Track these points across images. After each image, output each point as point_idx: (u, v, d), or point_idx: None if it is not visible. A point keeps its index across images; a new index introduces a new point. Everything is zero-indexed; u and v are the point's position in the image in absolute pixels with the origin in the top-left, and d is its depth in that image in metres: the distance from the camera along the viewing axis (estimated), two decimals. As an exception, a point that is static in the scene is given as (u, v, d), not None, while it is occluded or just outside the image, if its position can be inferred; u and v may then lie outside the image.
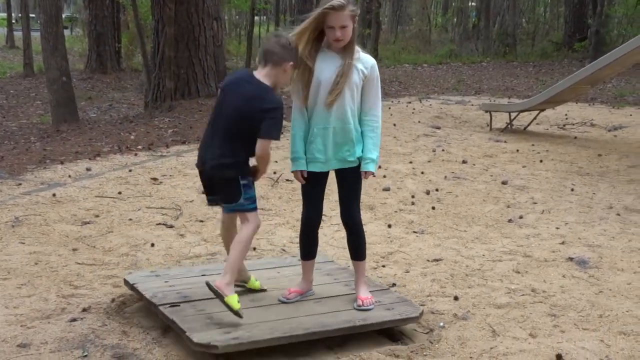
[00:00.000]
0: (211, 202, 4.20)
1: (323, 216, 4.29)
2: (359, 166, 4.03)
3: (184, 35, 12.53)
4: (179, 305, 3.97)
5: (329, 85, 3.90)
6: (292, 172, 4.07)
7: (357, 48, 3.99)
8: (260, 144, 3.87)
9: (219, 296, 3.76)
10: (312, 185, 4.06)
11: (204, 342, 3.55)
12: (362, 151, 4.01)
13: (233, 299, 3.75)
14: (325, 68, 3.92)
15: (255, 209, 3.99)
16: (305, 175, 4.02)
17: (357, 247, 4.19)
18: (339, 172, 4.06)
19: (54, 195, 6.79)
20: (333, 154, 3.98)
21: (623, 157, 9.39)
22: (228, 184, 3.93)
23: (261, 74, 3.94)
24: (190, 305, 3.98)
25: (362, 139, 4.03)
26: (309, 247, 4.20)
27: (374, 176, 4.19)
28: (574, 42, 27.02)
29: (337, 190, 4.12)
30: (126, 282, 4.39)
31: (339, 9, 3.80)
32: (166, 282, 4.34)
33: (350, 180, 4.06)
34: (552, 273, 5.06)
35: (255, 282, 4.29)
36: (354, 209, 4.12)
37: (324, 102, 3.91)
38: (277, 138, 3.91)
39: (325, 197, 4.19)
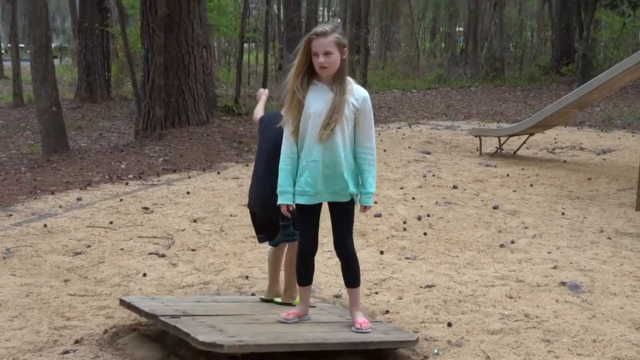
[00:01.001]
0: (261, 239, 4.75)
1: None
2: (352, 199, 4.04)
3: (173, 64, 12.59)
4: (179, 317, 3.98)
5: (318, 118, 3.91)
6: (279, 204, 4.10)
7: (350, 80, 4.01)
8: None
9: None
10: (306, 216, 4.09)
11: (210, 341, 3.55)
12: (362, 185, 4.03)
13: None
14: (315, 100, 3.93)
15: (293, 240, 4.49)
16: (291, 210, 4.06)
17: (351, 275, 4.21)
18: (332, 204, 4.07)
19: (45, 225, 6.77)
20: (324, 187, 3.99)
21: (612, 180, 9.44)
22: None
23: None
24: (190, 318, 4.00)
25: (357, 172, 4.04)
26: (306, 273, 4.24)
27: (379, 215, 4.24)
28: (562, 66, 27.25)
29: (331, 220, 4.13)
30: (122, 302, 4.39)
31: (321, 35, 3.86)
32: (162, 302, 4.35)
33: (344, 212, 4.07)
34: (545, 298, 5.06)
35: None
36: (348, 240, 4.13)
37: (315, 135, 3.92)
38: None
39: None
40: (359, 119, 3.98)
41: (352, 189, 4.02)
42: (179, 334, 3.75)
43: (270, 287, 4.82)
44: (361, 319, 4.13)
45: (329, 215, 4.15)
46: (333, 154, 3.95)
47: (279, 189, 4.06)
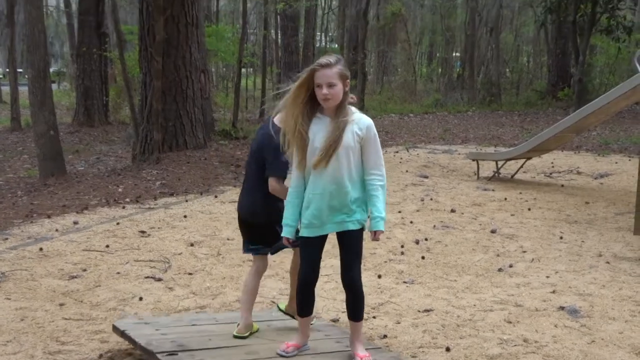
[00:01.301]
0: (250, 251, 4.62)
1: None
2: (360, 229, 4.00)
3: (171, 88, 12.61)
4: (177, 354, 3.91)
5: (320, 150, 3.89)
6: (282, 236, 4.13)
7: (353, 110, 3.98)
8: (269, 182, 4.24)
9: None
10: (310, 248, 4.04)
11: None
12: (372, 210, 3.97)
13: None
14: (318, 133, 3.91)
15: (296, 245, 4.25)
16: (291, 242, 4.08)
17: (355, 309, 4.12)
18: (340, 234, 4.02)
19: (40, 249, 6.73)
20: (329, 218, 3.95)
21: (610, 204, 9.43)
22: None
23: (277, 118, 4.19)
24: (188, 355, 3.93)
25: (366, 200, 4.00)
26: (307, 304, 4.15)
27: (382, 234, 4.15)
28: (558, 91, 27.37)
29: (339, 251, 4.09)
30: (115, 329, 4.34)
31: (326, 66, 3.86)
32: (157, 329, 4.29)
33: (352, 242, 4.00)
34: (543, 323, 5.03)
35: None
36: (355, 271, 4.05)
37: (314, 164, 3.90)
38: (278, 174, 4.22)
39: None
40: (365, 147, 3.95)
41: (359, 216, 3.97)
42: None
43: (290, 301, 4.72)
44: (362, 353, 4.05)
45: (329, 241, 4.13)
46: (339, 185, 3.91)
47: (283, 222, 4.07)
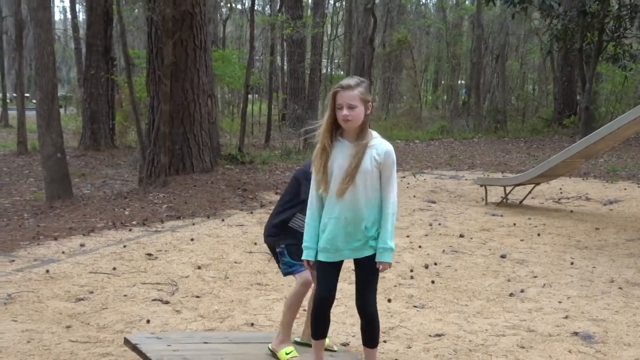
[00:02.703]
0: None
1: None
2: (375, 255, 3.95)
3: (179, 112, 12.62)
4: None
5: (341, 174, 3.87)
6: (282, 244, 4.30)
7: (374, 134, 3.96)
8: None
9: (274, 355, 4.34)
10: (325, 272, 4.00)
11: None
12: (378, 241, 3.92)
13: (282, 354, 4.28)
14: (338, 156, 3.89)
15: (294, 272, 4.46)
16: (312, 264, 4.03)
17: (371, 335, 4.07)
18: (356, 260, 3.99)
19: (47, 271, 6.68)
20: (345, 244, 3.91)
21: (620, 230, 9.36)
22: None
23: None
24: None
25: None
26: (320, 326, 4.10)
27: (390, 267, 4.09)
28: (564, 118, 27.37)
29: (355, 275, 4.04)
30: (127, 342, 4.28)
31: (347, 88, 3.85)
32: (169, 345, 4.23)
33: (367, 269, 3.95)
34: (557, 348, 4.94)
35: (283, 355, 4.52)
36: (371, 298, 4.00)
37: (335, 191, 3.88)
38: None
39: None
40: (382, 173, 3.92)
41: (375, 242, 3.92)
42: None
43: (304, 329, 4.75)
44: None
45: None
46: (355, 211, 3.87)
47: (303, 244, 4.05)
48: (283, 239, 4.51)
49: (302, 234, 4.12)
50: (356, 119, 3.85)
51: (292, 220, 4.51)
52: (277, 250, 4.53)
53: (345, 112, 3.83)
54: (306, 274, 4.36)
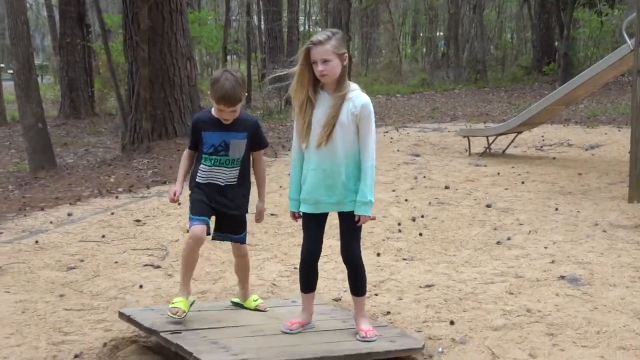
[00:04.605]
0: None
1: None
2: None
3: (158, 76, 12.53)
4: (181, 333, 3.91)
5: (318, 125, 3.93)
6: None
7: (354, 86, 4.00)
8: None
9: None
10: (307, 223, 4.09)
11: None
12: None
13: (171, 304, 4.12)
14: (317, 109, 3.95)
15: (190, 225, 4.23)
16: (297, 215, 4.10)
17: (357, 283, 4.17)
18: (339, 213, 4.06)
19: (36, 242, 6.69)
20: (326, 197, 3.98)
21: (602, 175, 9.46)
22: None
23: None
24: (191, 332, 3.94)
25: None
26: (309, 280, 4.20)
27: (373, 219, 4.15)
28: (543, 66, 27.40)
29: (339, 227, 4.10)
30: (121, 315, 4.33)
31: (318, 43, 3.88)
32: (162, 314, 4.28)
33: (349, 221, 4.02)
34: (545, 292, 5.04)
35: (252, 302, 4.53)
36: (354, 247, 4.10)
37: (314, 143, 3.93)
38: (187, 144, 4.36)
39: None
40: (359, 126, 3.96)
41: (356, 196, 3.98)
42: (182, 352, 3.70)
43: (240, 290, 4.71)
44: (366, 327, 4.07)
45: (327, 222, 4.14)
46: (332, 163, 3.93)
47: (288, 195, 4.16)
48: (192, 193, 4.32)
49: (211, 185, 4.20)
50: (332, 73, 3.89)
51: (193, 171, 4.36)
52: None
53: (320, 67, 3.87)
54: (195, 228, 4.14)
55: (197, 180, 4.27)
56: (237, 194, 4.29)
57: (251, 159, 4.37)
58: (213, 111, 4.23)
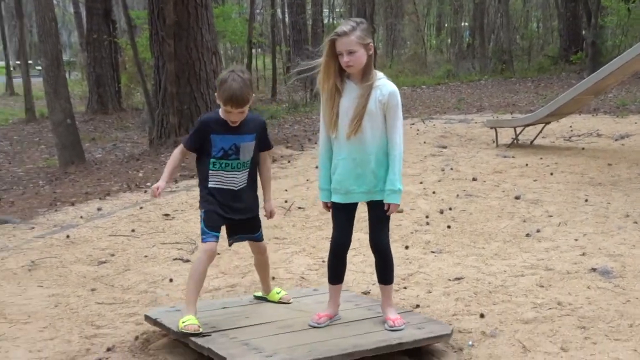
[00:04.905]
0: None
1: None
2: None
3: (184, 71, 12.56)
4: (210, 335, 3.92)
5: (346, 115, 3.93)
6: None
7: (380, 75, 4.01)
8: None
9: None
10: (337, 213, 4.09)
11: None
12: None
13: (179, 322, 3.97)
14: (344, 98, 3.95)
15: (204, 240, 4.14)
16: (329, 206, 4.10)
17: (385, 271, 4.18)
18: (368, 203, 4.06)
19: (67, 236, 6.77)
20: (356, 187, 3.98)
21: (633, 165, 9.35)
22: None
23: None
24: (220, 334, 3.94)
25: None
26: (337, 271, 4.21)
27: (400, 211, 4.14)
28: (570, 55, 27.11)
29: (368, 215, 4.10)
30: (147, 318, 4.35)
31: (343, 35, 3.87)
32: None
33: (378, 209, 4.02)
34: (576, 285, 5.01)
35: (275, 295, 4.52)
36: (383, 235, 4.10)
37: (343, 133, 3.94)
38: (182, 142, 4.21)
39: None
40: (386, 115, 3.95)
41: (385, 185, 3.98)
42: (214, 356, 3.70)
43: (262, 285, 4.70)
44: (394, 316, 4.07)
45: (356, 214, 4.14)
46: (362, 152, 3.94)
47: (318, 187, 4.16)
48: (204, 202, 4.19)
49: (224, 191, 4.10)
50: (357, 63, 3.89)
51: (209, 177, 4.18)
52: (200, 214, 4.23)
53: (345, 58, 3.87)
54: (211, 245, 4.09)
55: (209, 185, 4.15)
56: (249, 196, 4.23)
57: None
58: (221, 112, 4.11)
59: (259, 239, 4.40)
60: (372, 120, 3.92)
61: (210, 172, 4.13)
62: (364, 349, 3.74)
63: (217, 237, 4.14)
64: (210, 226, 4.11)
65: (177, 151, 4.23)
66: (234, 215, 4.18)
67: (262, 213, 4.41)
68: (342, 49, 3.87)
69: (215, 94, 4.11)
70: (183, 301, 4.87)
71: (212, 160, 4.11)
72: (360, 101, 3.90)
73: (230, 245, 4.41)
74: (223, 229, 4.24)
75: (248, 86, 4.04)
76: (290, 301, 4.51)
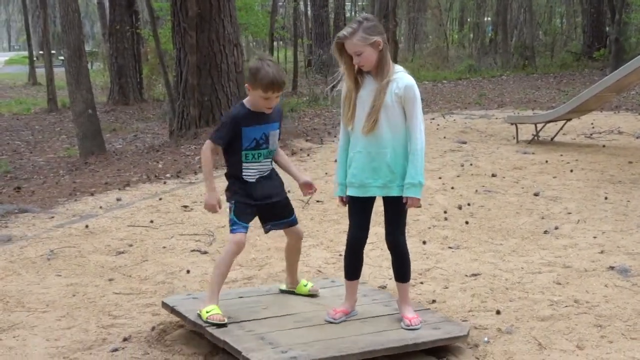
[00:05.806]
0: None
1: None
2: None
3: (206, 63, 12.59)
4: (226, 326, 3.94)
5: (362, 110, 3.94)
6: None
7: (397, 68, 4.00)
8: None
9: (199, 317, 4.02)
10: (354, 208, 4.08)
11: None
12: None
13: (202, 312, 4.00)
14: (363, 90, 3.96)
15: (233, 231, 4.14)
16: (345, 200, 4.09)
17: (401, 270, 4.16)
18: (384, 198, 4.04)
19: (86, 226, 6.82)
20: (372, 180, 3.96)
21: (654, 163, 9.27)
22: None
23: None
24: (237, 326, 3.95)
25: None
26: (354, 266, 4.19)
27: (419, 206, 4.10)
28: (593, 52, 26.90)
29: (384, 212, 4.09)
30: (165, 305, 4.37)
31: (343, 38, 3.89)
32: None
33: (395, 206, 4.01)
34: (594, 283, 4.98)
35: (303, 288, 4.51)
36: (398, 232, 4.09)
37: (360, 126, 3.94)
38: (212, 139, 4.17)
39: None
40: (404, 108, 3.94)
41: (402, 180, 3.96)
42: (230, 349, 3.72)
43: (287, 277, 4.68)
44: (410, 315, 4.05)
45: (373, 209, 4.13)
46: (378, 145, 3.92)
47: (334, 181, 4.15)
48: (234, 194, 4.19)
49: (257, 180, 4.12)
50: (367, 62, 3.90)
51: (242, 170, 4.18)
52: (228, 205, 4.21)
53: (355, 60, 3.91)
54: (241, 236, 4.10)
55: (243, 177, 4.16)
56: (276, 180, 4.28)
57: None
58: (247, 104, 4.12)
59: (294, 221, 4.38)
60: (389, 114, 3.91)
61: (243, 164, 4.14)
62: (380, 348, 3.74)
63: (247, 229, 4.17)
64: (240, 217, 4.14)
65: (208, 151, 4.18)
66: (265, 200, 4.20)
67: (298, 196, 4.41)
68: (350, 51, 3.90)
69: (246, 85, 4.10)
70: (200, 290, 4.92)
71: (244, 152, 4.12)
72: (376, 97, 3.90)
73: (266, 232, 4.43)
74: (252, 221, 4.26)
75: (282, 69, 4.08)
76: (318, 292, 4.51)
